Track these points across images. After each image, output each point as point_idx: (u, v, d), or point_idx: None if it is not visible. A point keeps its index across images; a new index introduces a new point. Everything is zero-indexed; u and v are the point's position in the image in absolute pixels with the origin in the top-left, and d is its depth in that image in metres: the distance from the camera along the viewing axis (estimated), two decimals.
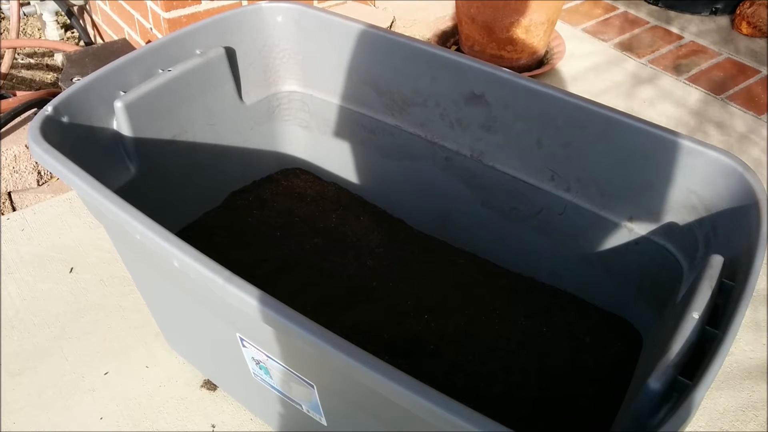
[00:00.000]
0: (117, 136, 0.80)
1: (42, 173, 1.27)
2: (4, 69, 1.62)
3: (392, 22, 1.67)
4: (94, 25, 1.79)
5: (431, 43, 0.92)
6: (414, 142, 0.93)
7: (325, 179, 1.06)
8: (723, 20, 1.76)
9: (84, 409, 0.84)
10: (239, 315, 0.60)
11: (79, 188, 0.62)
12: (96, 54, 1.39)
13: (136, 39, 1.55)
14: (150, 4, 1.40)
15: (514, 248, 0.91)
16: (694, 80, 1.53)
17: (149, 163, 0.83)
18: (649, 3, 1.82)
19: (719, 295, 0.58)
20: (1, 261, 1.03)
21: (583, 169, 0.80)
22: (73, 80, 1.29)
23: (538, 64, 1.54)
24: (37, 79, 1.77)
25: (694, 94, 1.49)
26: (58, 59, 1.82)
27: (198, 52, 0.86)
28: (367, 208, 1.02)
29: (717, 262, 0.60)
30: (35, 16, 1.78)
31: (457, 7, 1.50)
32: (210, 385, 0.87)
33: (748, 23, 1.68)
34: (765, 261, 0.59)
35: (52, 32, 1.78)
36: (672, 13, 1.78)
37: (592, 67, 1.57)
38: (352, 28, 0.89)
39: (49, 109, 0.70)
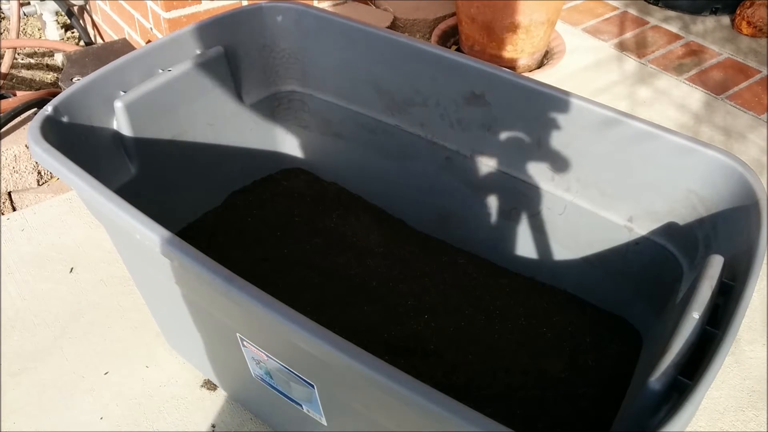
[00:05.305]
0: (117, 136, 0.80)
1: (42, 173, 1.27)
2: (4, 69, 1.62)
3: (392, 22, 1.67)
4: (94, 25, 1.79)
5: (431, 43, 0.92)
6: (414, 142, 0.93)
7: (325, 179, 1.06)
8: (723, 20, 1.76)
9: (84, 409, 0.84)
10: (239, 315, 0.60)
11: (79, 188, 0.62)
12: (96, 54, 1.39)
13: (136, 39, 1.55)
14: (150, 4, 1.40)
15: (514, 248, 0.91)
16: (694, 80, 1.53)
17: (149, 163, 0.83)
18: (649, 3, 1.82)
19: (719, 295, 0.58)
20: (1, 261, 1.03)
21: (583, 169, 0.80)
22: (73, 80, 1.29)
23: (538, 64, 1.54)
24: (37, 79, 1.77)
25: (694, 94, 1.49)
26: (58, 59, 1.82)
27: (198, 52, 0.86)
28: (367, 208, 1.02)
29: (717, 262, 0.60)
30: (35, 16, 1.78)
31: (457, 7, 1.50)
32: (210, 385, 0.87)
33: (749, 23, 1.68)
34: (765, 261, 0.59)
35: (52, 32, 1.78)
36: (672, 13, 1.78)
37: (592, 67, 1.57)
38: (352, 28, 0.89)
39: (49, 109, 0.70)
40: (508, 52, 1.47)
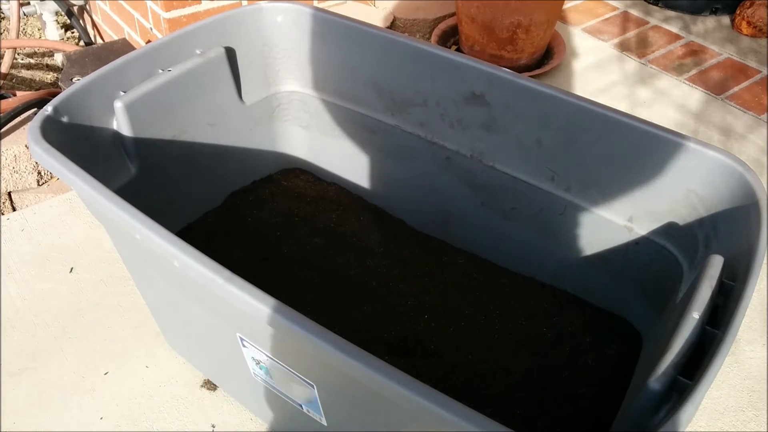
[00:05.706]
0: (117, 136, 0.80)
1: (42, 173, 1.27)
2: (4, 69, 1.62)
3: (392, 22, 1.67)
4: (94, 25, 1.79)
5: (431, 43, 0.92)
6: (414, 142, 0.93)
7: (325, 179, 1.06)
8: (723, 20, 1.76)
9: (84, 409, 0.84)
10: (239, 315, 0.60)
11: (79, 188, 0.62)
12: (96, 54, 1.39)
13: (136, 39, 1.55)
14: (150, 4, 1.40)
15: (514, 248, 0.91)
16: (694, 80, 1.53)
17: (149, 163, 0.83)
18: (649, 3, 1.82)
19: (719, 295, 0.58)
20: (1, 261, 1.03)
21: (583, 169, 0.80)
22: (73, 80, 1.29)
23: (538, 64, 1.54)
24: (37, 79, 1.77)
25: (694, 94, 1.49)
26: (58, 59, 1.82)
27: (198, 52, 0.86)
28: (367, 208, 1.02)
29: (717, 262, 0.60)
30: (35, 16, 1.78)
31: (457, 7, 1.50)
32: (210, 385, 0.87)
33: (749, 23, 1.68)
34: (765, 261, 0.59)
35: (52, 32, 1.78)
36: (672, 13, 1.78)
37: (592, 67, 1.57)
38: (352, 28, 0.89)
39: (49, 109, 0.70)
40: (508, 52, 1.47)
